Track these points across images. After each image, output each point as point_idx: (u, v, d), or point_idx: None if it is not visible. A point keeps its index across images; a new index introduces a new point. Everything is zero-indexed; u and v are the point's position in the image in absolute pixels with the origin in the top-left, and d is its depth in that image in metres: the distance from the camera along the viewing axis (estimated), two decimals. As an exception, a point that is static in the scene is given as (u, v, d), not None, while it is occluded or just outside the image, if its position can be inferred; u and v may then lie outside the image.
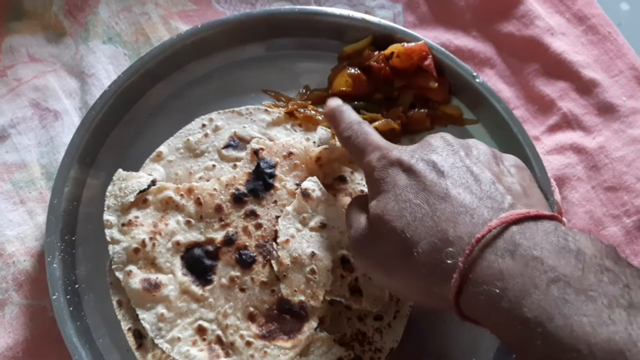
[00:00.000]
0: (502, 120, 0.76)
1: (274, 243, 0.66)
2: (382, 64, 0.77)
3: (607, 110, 0.81)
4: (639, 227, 0.75)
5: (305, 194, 0.67)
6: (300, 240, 0.66)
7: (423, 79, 0.78)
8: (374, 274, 0.57)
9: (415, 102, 0.78)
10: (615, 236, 0.75)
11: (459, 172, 0.51)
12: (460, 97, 0.80)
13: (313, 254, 0.65)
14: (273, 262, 0.65)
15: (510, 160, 0.57)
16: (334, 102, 0.69)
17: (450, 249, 0.45)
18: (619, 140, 0.79)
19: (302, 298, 0.64)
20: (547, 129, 0.81)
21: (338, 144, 0.75)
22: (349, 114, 0.66)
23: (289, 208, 0.67)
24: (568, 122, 0.81)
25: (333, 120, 0.67)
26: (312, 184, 0.68)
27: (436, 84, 0.77)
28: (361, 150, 0.60)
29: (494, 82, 0.83)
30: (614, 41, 0.85)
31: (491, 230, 0.43)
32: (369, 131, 0.61)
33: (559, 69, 0.83)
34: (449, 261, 0.45)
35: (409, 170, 0.52)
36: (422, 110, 0.78)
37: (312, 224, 0.67)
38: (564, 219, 0.50)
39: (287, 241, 0.66)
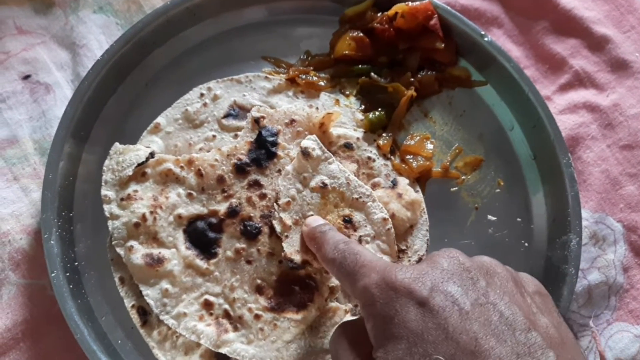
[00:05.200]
0: (513, 80, 0.73)
1: (275, 204, 0.64)
2: (386, 26, 0.74)
3: (620, 66, 0.78)
4: (658, 185, 0.73)
5: (305, 153, 0.65)
6: (301, 203, 0.63)
7: (429, 39, 0.75)
8: None
9: (422, 64, 0.75)
10: (633, 195, 0.73)
11: (485, 312, 0.41)
12: (468, 58, 0.77)
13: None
14: (275, 222, 0.63)
15: (530, 284, 0.48)
16: (314, 222, 0.60)
17: None
18: (634, 96, 0.76)
19: (305, 257, 0.61)
20: (559, 88, 0.78)
21: (340, 109, 0.72)
22: (333, 234, 0.56)
23: (289, 167, 0.65)
24: (580, 80, 0.78)
25: (314, 242, 0.57)
26: (311, 143, 0.66)
27: (442, 45, 0.74)
28: (352, 273, 0.48)
29: (502, 41, 0.80)
30: (625, -5, 0.82)
31: None
32: (359, 250, 0.50)
33: (569, 25, 0.80)
34: None
35: (423, 305, 0.41)
36: (431, 72, 0.75)
37: (312, 184, 0.64)
38: None
39: (288, 203, 0.63)
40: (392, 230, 0.64)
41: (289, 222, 0.62)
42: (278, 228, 0.62)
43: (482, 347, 0.39)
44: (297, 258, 0.61)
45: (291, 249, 0.62)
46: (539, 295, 0.46)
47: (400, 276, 0.44)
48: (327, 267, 0.54)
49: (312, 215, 0.63)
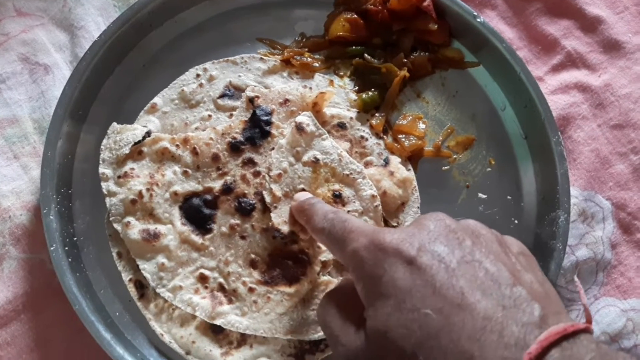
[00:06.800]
0: (505, 61, 0.74)
1: (266, 175, 0.65)
2: (380, 7, 0.75)
3: (612, 47, 0.79)
4: (647, 164, 0.73)
5: (300, 128, 0.66)
6: (292, 176, 0.65)
7: (422, 21, 0.75)
8: None
9: (415, 45, 0.76)
10: (623, 174, 0.74)
11: (471, 269, 0.41)
12: (461, 40, 0.77)
13: (303, 191, 0.64)
14: (265, 192, 0.65)
15: (514, 245, 0.49)
16: (303, 196, 0.61)
17: None
18: (625, 77, 0.77)
19: (292, 228, 0.63)
20: (551, 68, 0.79)
21: (334, 89, 0.73)
22: (322, 206, 0.56)
23: (283, 141, 0.66)
24: (572, 61, 0.79)
25: (303, 214, 0.58)
26: (306, 119, 0.67)
27: (436, 26, 0.75)
28: (341, 239, 0.49)
29: (495, 23, 0.81)
30: (619, -24, 0.82)
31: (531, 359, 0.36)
32: (347, 217, 0.51)
33: (562, 6, 0.80)
34: None
35: (411, 263, 0.42)
36: (424, 53, 0.75)
37: (305, 158, 0.65)
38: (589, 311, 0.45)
39: (279, 175, 0.65)
40: (380, 207, 0.66)
41: (278, 193, 0.64)
42: (268, 199, 0.64)
43: (469, 301, 0.39)
44: (285, 229, 0.63)
45: (279, 219, 0.63)
46: (523, 256, 0.47)
47: (389, 238, 0.45)
48: (316, 237, 0.55)
49: (302, 188, 0.64)
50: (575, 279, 0.53)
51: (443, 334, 0.39)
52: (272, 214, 0.63)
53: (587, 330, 0.38)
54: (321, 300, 0.52)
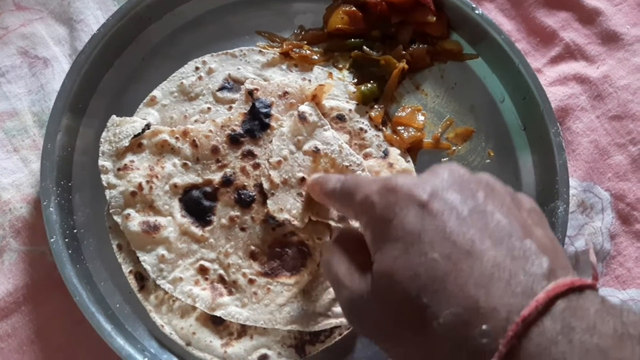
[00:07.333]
0: (504, 53, 0.74)
1: (266, 162, 0.65)
2: (378, -1, 0.75)
3: (610, 39, 0.79)
4: (646, 155, 0.74)
5: (302, 117, 0.66)
6: (292, 164, 0.65)
7: (421, 13, 0.75)
8: (379, 343, 0.45)
9: (413, 38, 0.76)
10: (621, 165, 0.74)
11: (482, 218, 0.41)
12: (460, 32, 0.77)
13: (303, 179, 0.64)
14: (263, 179, 0.65)
15: (526, 202, 0.48)
16: (316, 174, 0.63)
17: (485, 326, 0.36)
18: (624, 68, 0.77)
19: (287, 217, 0.63)
20: (550, 60, 0.79)
21: (333, 82, 0.73)
22: (336, 175, 0.57)
23: (284, 129, 0.66)
24: (571, 53, 0.79)
25: (317, 185, 0.58)
26: (309, 108, 0.67)
27: (434, 18, 0.75)
28: (353, 191, 0.49)
29: (493, 15, 0.81)
30: (617, -32, 0.82)
31: (538, 307, 0.36)
32: (358, 175, 0.51)
33: (561, -2, 0.81)
34: (483, 340, 0.36)
35: (423, 208, 0.42)
36: (423, 45, 0.76)
37: (306, 147, 0.66)
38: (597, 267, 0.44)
39: (279, 162, 0.65)
40: None
41: (277, 180, 0.64)
42: (266, 185, 0.64)
43: (478, 248, 0.39)
44: (279, 216, 0.63)
45: (275, 206, 0.63)
46: (535, 212, 0.47)
47: (401, 181, 0.44)
48: (328, 201, 0.55)
49: (302, 176, 0.64)
50: (586, 237, 0.52)
51: (449, 278, 0.38)
52: (268, 201, 0.63)
53: (593, 287, 0.38)
54: (328, 244, 0.52)
